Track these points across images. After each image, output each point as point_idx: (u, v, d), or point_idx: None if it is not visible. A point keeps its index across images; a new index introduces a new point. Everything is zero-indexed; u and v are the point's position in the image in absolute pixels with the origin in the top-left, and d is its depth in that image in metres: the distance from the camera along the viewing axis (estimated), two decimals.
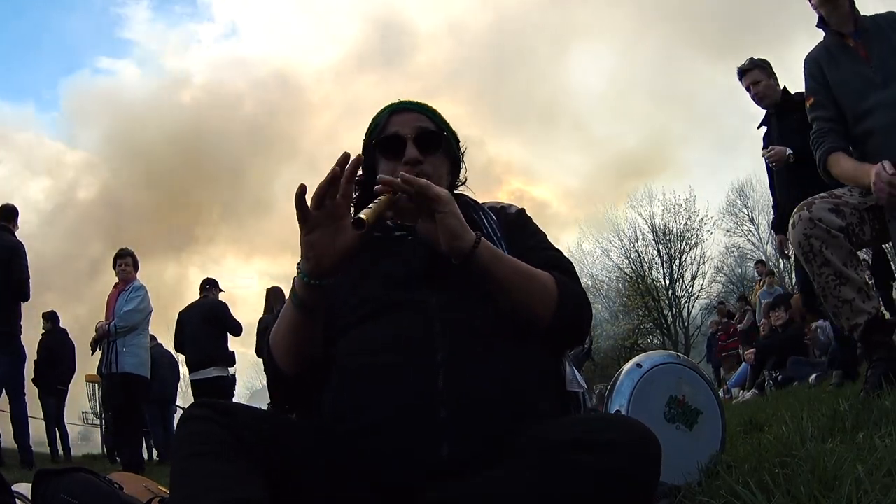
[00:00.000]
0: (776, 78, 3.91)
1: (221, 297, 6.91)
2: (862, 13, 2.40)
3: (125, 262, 5.52)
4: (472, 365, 1.13)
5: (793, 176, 3.64)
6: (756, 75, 3.87)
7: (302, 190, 1.09)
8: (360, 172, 1.44)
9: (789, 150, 3.60)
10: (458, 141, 1.46)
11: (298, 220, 1.11)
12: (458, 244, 1.14)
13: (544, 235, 1.43)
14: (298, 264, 1.16)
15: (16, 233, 5.44)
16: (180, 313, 6.55)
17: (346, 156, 1.11)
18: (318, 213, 1.11)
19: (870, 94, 2.27)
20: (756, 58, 3.92)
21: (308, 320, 1.19)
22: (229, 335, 6.55)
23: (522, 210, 1.46)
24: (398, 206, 1.19)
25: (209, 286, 6.74)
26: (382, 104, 1.44)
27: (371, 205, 1.10)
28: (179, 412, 8.28)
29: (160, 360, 7.66)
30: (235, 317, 6.63)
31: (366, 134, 1.44)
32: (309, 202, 1.10)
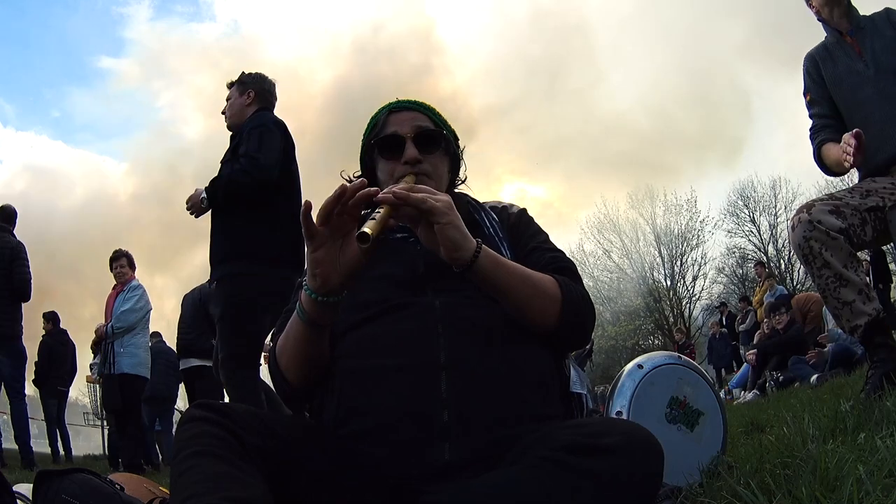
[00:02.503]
0: (264, 97, 3.35)
1: None
2: (862, 12, 2.44)
3: (120, 263, 5.48)
4: (474, 367, 1.13)
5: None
6: (230, 93, 3.36)
7: (308, 207, 1.08)
8: (358, 172, 1.45)
9: (203, 193, 3.06)
10: (457, 139, 1.45)
11: (305, 237, 1.10)
12: (458, 255, 1.13)
13: (546, 236, 1.42)
14: (304, 281, 1.15)
15: (14, 233, 5.45)
16: (184, 296, 6.25)
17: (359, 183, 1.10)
18: (324, 230, 1.10)
19: (862, 87, 2.34)
20: (246, 72, 3.41)
21: (316, 335, 1.18)
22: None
23: (524, 210, 1.46)
24: (400, 214, 1.18)
25: None
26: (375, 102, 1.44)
27: (373, 216, 1.09)
28: (177, 414, 8.22)
29: (157, 357, 7.49)
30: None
31: (364, 133, 1.43)
32: (315, 219, 1.09)
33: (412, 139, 1.34)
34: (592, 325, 1.31)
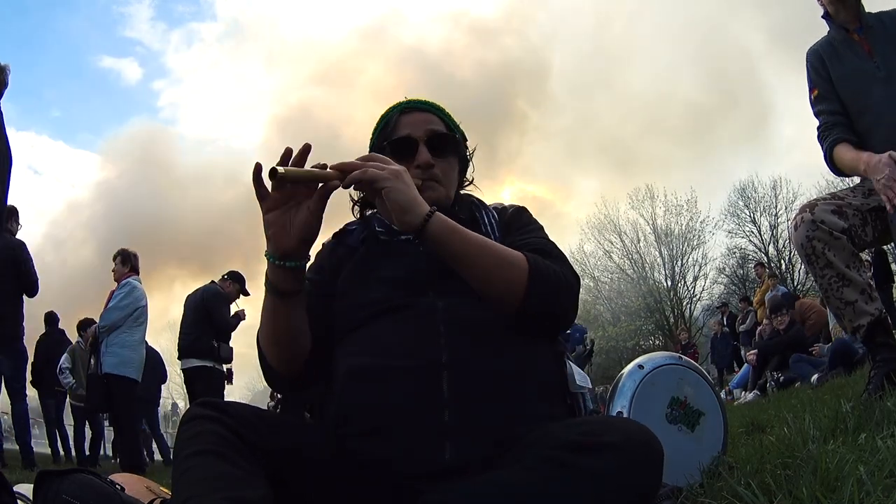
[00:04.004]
0: None
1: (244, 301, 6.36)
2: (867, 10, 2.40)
3: (115, 262, 5.36)
4: (476, 368, 1.13)
5: None
6: None
7: (258, 168, 1.09)
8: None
9: None
10: (465, 140, 1.45)
11: (257, 198, 1.12)
12: (406, 218, 1.12)
13: (539, 227, 1.39)
14: (266, 249, 1.16)
15: (17, 232, 5.44)
16: (186, 297, 6.20)
17: (307, 145, 1.12)
18: (277, 194, 1.11)
19: (872, 89, 2.27)
20: None
21: (284, 305, 1.18)
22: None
23: (522, 207, 1.44)
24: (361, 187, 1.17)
25: (227, 277, 6.25)
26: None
27: (303, 168, 1.11)
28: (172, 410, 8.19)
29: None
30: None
31: (373, 132, 1.42)
32: (265, 178, 1.09)
33: (425, 142, 1.33)
34: (571, 305, 1.23)
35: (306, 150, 1.11)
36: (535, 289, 1.16)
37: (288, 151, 1.11)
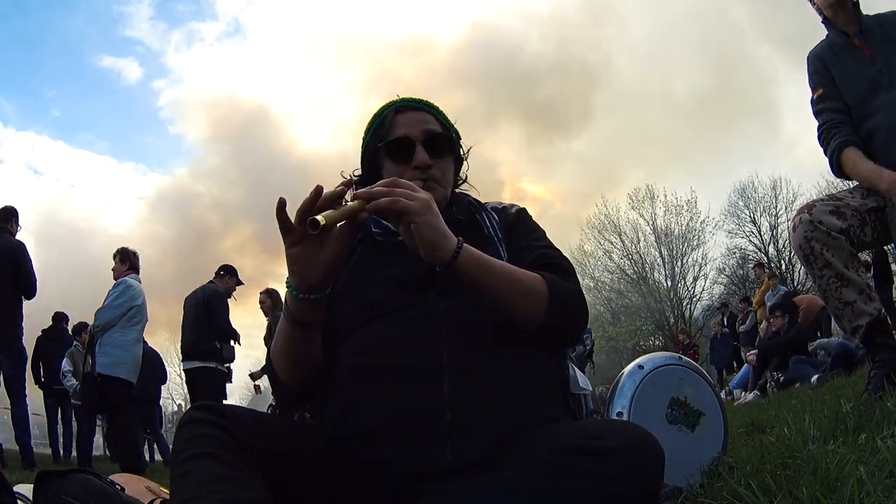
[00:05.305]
0: None
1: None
2: (866, 12, 2.39)
3: (114, 260, 5.31)
4: (477, 369, 1.13)
5: None
6: None
7: (282, 203, 1.07)
8: (359, 172, 1.43)
9: None
10: (460, 138, 1.43)
11: (281, 232, 1.10)
12: (436, 254, 1.10)
13: (542, 233, 1.39)
14: (287, 280, 1.15)
15: (16, 233, 5.44)
16: (186, 298, 6.18)
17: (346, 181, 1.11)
18: (301, 227, 1.08)
19: (875, 95, 2.25)
20: None
21: (303, 334, 1.18)
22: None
23: (523, 209, 1.44)
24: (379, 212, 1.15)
25: (223, 273, 6.21)
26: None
27: (337, 208, 1.08)
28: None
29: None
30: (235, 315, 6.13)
31: (367, 132, 1.40)
32: (293, 217, 1.08)
33: (422, 142, 1.32)
34: (584, 323, 1.27)
35: (340, 194, 1.09)
36: (554, 313, 1.19)
37: (318, 189, 1.07)
